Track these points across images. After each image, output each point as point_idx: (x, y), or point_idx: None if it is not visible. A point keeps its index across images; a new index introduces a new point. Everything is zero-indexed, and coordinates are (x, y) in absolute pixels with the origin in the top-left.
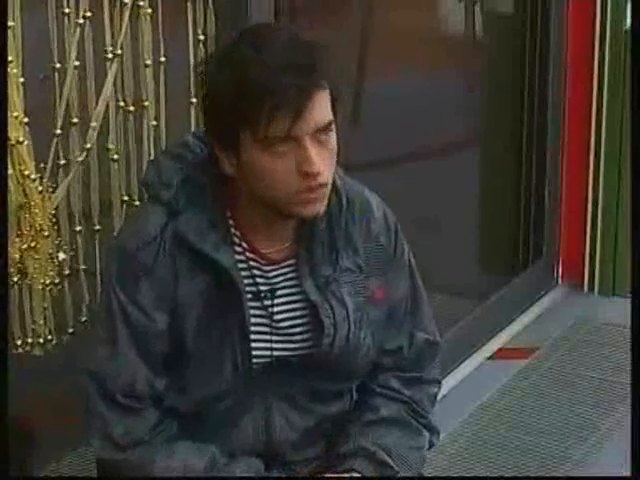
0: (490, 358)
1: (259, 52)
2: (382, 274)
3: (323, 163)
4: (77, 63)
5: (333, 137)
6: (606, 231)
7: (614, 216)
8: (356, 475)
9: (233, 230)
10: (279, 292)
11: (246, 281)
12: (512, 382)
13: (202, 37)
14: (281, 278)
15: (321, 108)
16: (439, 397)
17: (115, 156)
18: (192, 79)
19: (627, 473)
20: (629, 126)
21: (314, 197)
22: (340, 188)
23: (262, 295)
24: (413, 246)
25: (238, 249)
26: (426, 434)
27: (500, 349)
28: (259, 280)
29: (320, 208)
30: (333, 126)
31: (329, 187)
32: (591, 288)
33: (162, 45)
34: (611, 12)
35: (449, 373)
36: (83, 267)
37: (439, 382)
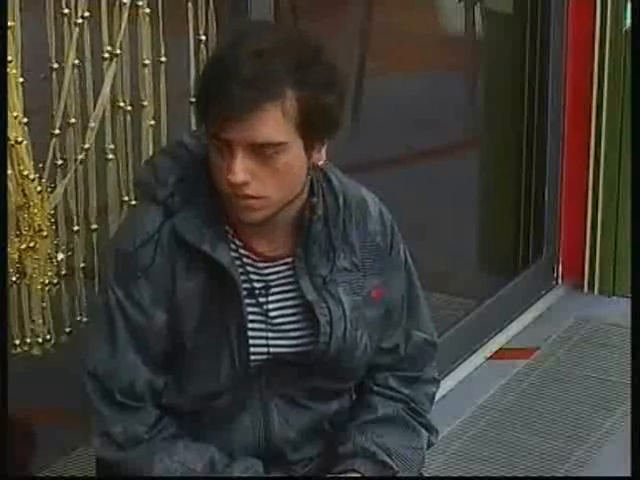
0: (490, 358)
1: (226, 54)
2: (379, 273)
3: (253, 177)
4: (76, 63)
5: (284, 158)
6: (606, 231)
7: (614, 216)
8: (356, 475)
9: (227, 227)
10: (273, 289)
11: (241, 277)
12: (512, 382)
13: (202, 37)
14: (276, 276)
15: (261, 125)
16: (439, 397)
17: (113, 156)
18: (192, 79)
19: (627, 473)
20: (629, 126)
21: (243, 205)
22: (337, 188)
23: (256, 292)
24: (413, 246)
25: (232, 246)
26: (425, 433)
27: (500, 349)
28: (253, 277)
29: (254, 217)
30: (287, 148)
31: (265, 202)
32: (591, 288)
33: (162, 45)
34: (611, 12)
35: (449, 373)
36: (82, 266)
37: (437, 381)
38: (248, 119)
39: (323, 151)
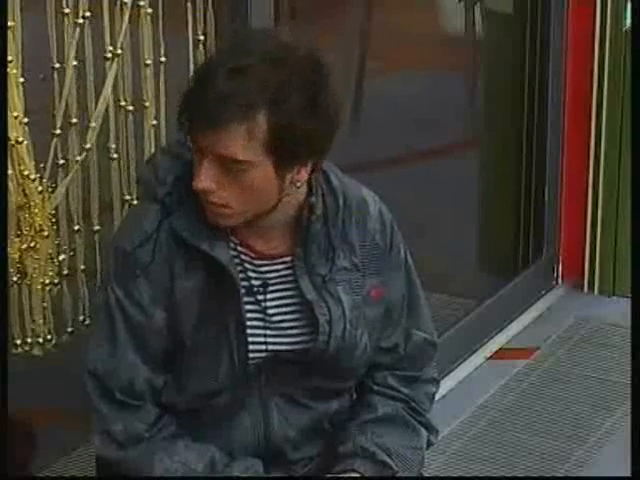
0: (490, 358)
1: (210, 66)
2: (378, 272)
3: (218, 186)
4: (76, 63)
5: (249, 175)
6: (606, 231)
7: (614, 216)
8: (356, 475)
9: None
10: (272, 287)
11: (239, 276)
12: (512, 382)
13: (202, 37)
14: (274, 274)
15: (225, 142)
16: (439, 397)
17: (115, 156)
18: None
19: (627, 473)
20: (629, 125)
21: (209, 209)
22: (337, 188)
23: (254, 290)
24: (413, 246)
25: (230, 244)
26: (425, 433)
27: (500, 349)
28: (251, 274)
29: (221, 223)
30: (252, 166)
31: (229, 211)
32: (591, 288)
33: (162, 45)
34: (611, 12)
35: (449, 373)
36: (82, 267)
37: (437, 381)
38: (214, 133)
39: (304, 171)
